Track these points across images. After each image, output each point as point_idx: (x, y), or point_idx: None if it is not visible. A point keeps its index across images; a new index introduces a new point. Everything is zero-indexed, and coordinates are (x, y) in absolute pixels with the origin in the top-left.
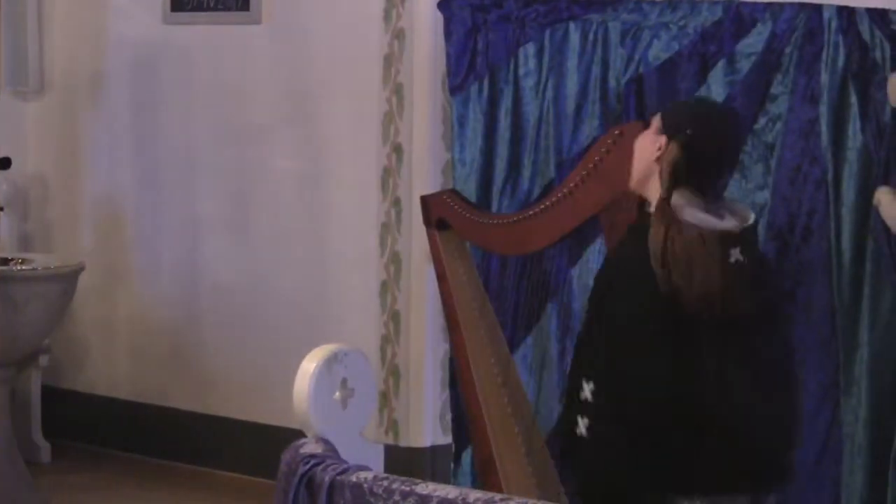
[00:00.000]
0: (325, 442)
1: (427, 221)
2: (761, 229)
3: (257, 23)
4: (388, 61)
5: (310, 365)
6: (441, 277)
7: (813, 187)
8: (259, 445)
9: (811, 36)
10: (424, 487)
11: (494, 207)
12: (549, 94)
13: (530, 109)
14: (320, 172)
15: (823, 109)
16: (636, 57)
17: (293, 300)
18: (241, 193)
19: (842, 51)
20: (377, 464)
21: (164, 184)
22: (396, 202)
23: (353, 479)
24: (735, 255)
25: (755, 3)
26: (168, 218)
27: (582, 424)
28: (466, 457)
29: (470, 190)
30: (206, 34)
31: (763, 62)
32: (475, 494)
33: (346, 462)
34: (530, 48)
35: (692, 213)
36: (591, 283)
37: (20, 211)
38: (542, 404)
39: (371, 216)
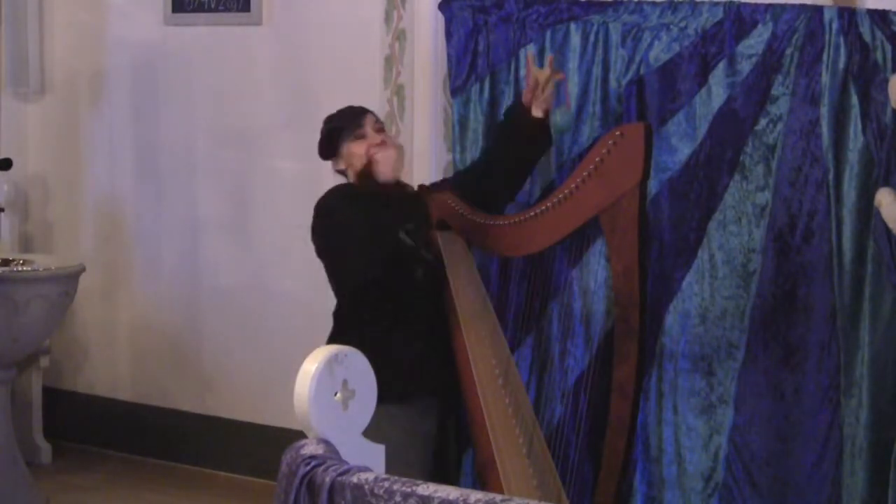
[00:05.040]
0: (326, 443)
1: None
2: (762, 230)
3: (258, 24)
4: (389, 62)
5: (311, 366)
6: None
7: (814, 188)
8: (259, 446)
9: (812, 37)
10: (426, 488)
11: None
12: None
13: None
14: (321, 173)
15: (824, 110)
16: (637, 58)
17: (294, 301)
18: (242, 194)
19: (843, 52)
20: (378, 465)
21: (164, 185)
22: None
23: (354, 479)
24: None
25: (756, 5)
26: (169, 219)
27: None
28: (467, 458)
29: None
30: (206, 35)
31: (764, 63)
32: (476, 495)
33: (347, 463)
34: (531, 49)
35: None
36: (592, 284)
37: (21, 212)
38: (543, 405)
39: None
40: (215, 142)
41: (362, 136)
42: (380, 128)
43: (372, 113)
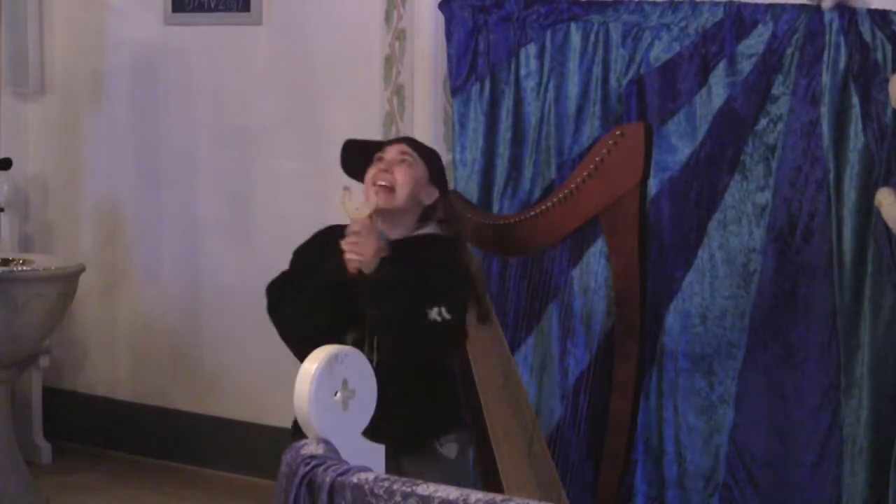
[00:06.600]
0: (326, 443)
1: None
2: (762, 230)
3: (258, 24)
4: (389, 62)
5: (311, 365)
6: None
7: (814, 188)
8: (259, 446)
9: (812, 37)
10: (426, 488)
11: (495, 208)
12: (551, 94)
13: (531, 110)
14: (321, 173)
15: (824, 110)
16: (637, 58)
17: None
18: (242, 194)
19: (843, 52)
20: (378, 465)
21: (164, 184)
22: None
23: (354, 480)
24: None
25: (756, 4)
26: (168, 218)
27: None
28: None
29: (471, 191)
30: (206, 35)
31: (764, 63)
32: (476, 495)
33: (347, 463)
34: (531, 49)
35: None
36: (592, 283)
37: (21, 212)
38: (543, 405)
39: None
40: (215, 142)
41: (379, 160)
42: (403, 158)
43: (401, 142)
